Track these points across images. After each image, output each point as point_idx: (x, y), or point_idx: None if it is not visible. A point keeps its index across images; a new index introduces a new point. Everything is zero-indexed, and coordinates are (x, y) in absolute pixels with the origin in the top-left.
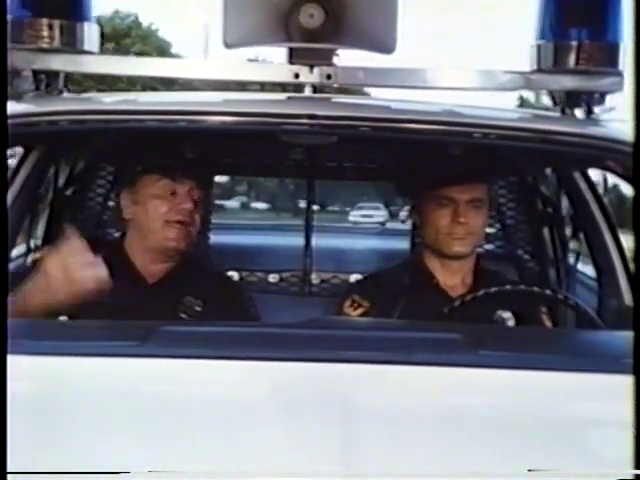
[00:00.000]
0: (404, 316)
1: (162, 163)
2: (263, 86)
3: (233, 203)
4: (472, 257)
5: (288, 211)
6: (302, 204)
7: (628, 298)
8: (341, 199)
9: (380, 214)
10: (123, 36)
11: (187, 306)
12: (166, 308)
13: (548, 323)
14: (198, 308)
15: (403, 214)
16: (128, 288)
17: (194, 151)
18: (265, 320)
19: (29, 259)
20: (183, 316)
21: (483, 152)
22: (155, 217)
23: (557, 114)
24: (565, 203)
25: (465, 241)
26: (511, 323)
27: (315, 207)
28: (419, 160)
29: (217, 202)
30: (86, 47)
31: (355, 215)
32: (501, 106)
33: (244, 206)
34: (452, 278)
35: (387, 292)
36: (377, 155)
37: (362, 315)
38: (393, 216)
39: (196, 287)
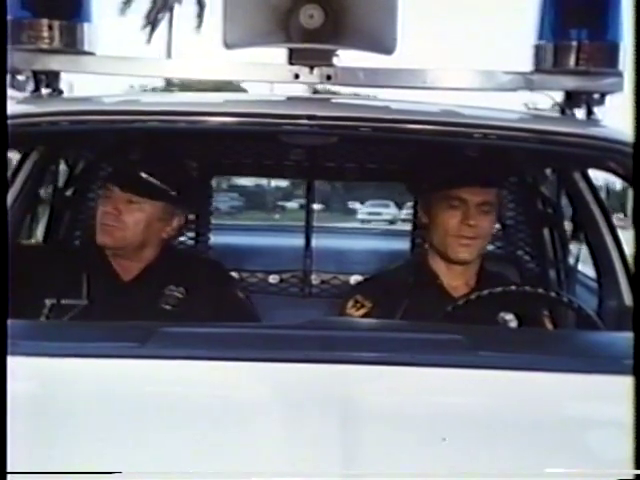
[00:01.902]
0: (407, 317)
1: (109, 170)
2: None
3: (293, 204)
4: (477, 260)
5: (339, 211)
6: (353, 205)
7: (628, 298)
8: (349, 196)
9: (389, 212)
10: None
11: (168, 296)
12: (145, 303)
13: (549, 325)
14: (180, 295)
15: (409, 212)
16: (102, 288)
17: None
18: (265, 321)
19: None
20: (166, 307)
21: (497, 155)
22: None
23: (557, 114)
24: (565, 203)
25: (471, 247)
26: (513, 325)
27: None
28: (428, 160)
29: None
30: (86, 47)
31: (363, 212)
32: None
33: (302, 207)
34: (456, 279)
35: (390, 292)
36: (377, 155)
37: (365, 315)
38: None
39: (177, 275)
